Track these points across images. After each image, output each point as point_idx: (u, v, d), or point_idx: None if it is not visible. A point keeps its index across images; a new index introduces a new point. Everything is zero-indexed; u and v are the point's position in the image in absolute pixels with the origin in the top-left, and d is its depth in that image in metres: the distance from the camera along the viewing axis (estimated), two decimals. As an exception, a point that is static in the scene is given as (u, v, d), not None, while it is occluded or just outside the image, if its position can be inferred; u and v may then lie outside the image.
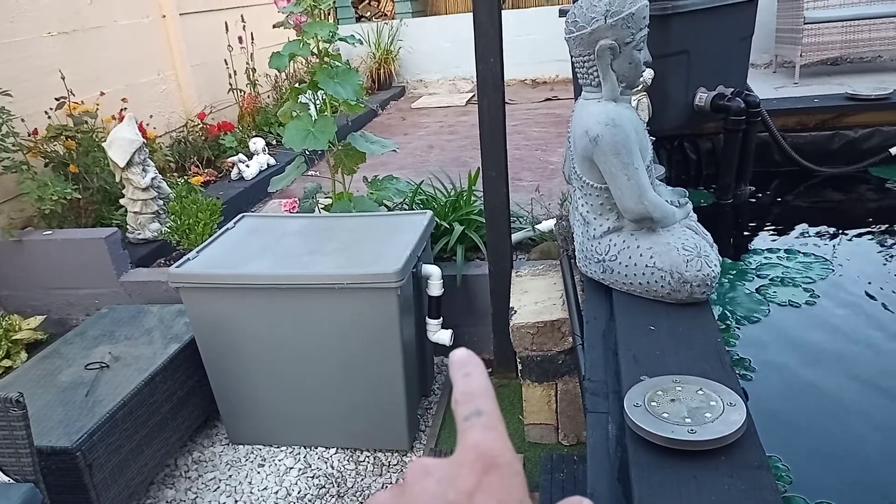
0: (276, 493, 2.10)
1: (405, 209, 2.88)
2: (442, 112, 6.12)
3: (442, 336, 2.35)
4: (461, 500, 0.25)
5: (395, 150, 2.83)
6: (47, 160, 3.20)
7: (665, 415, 1.02)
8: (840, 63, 5.72)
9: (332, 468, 2.19)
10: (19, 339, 2.79)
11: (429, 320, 2.35)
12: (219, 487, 2.15)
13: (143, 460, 2.05)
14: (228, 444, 2.34)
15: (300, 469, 2.19)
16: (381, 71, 6.91)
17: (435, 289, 2.29)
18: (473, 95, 6.10)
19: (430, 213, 2.42)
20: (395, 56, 7.03)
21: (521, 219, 2.92)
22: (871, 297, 2.19)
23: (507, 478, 0.26)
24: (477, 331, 2.65)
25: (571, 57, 1.57)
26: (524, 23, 6.56)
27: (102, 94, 3.67)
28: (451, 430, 2.33)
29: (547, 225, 2.77)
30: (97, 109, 3.41)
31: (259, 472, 2.20)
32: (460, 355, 0.32)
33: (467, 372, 0.30)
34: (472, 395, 0.29)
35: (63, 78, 3.35)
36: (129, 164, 2.97)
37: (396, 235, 2.24)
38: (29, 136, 3.16)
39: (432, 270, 2.28)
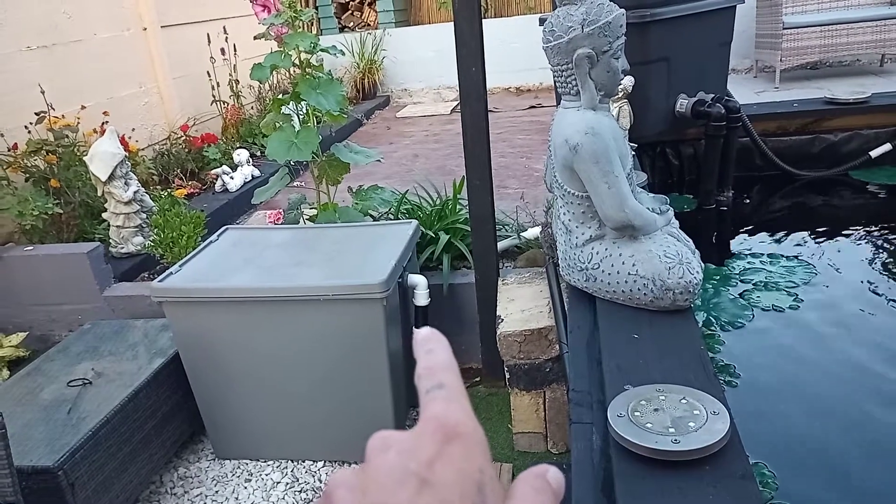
0: (264, 508, 2.08)
1: (390, 219, 2.87)
2: (427, 121, 6.13)
3: (429, 346, 2.34)
4: (421, 471, 0.25)
5: (379, 160, 2.83)
6: (28, 175, 3.17)
7: (648, 425, 1.02)
8: (820, 67, 5.79)
9: (320, 481, 2.17)
10: (1, 356, 2.75)
11: (416, 331, 2.33)
12: (205, 503, 2.13)
13: (127, 478, 2.02)
14: (214, 460, 2.32)
15: (287, 483, 2.18)
16: (366, 81, 6.92)
17: (421, 298, 2.29)
18: (458, 104, 6.14)
19: (415, 222, 2.41)
20: (380, 66, 7.03)
21: (506, 227, 2.92)
22: (855, 300, 2.21)
23: (468, 446, 0.26)
24: (464, 340, 2.64)
25: (550, 66, 1.57)
26: (508, 31, 6.59)
27: (83, 107, 3.64)
28: (439, 441, 2.32)
29: (532, 232, 2.78)
30: (78, 123, 3.38)
31: (246, 488, 2.18)
32: (424, 333, 0.32)
33: (430, 348, 0.31)
34: (435, 369, 0.29)
35: (43, 92, 3.32)
36: (111, 177, 2.95)
37: (382, 245, 2.23)
38: (8, 150, 3.13)
39: (418, 280, 2.28)
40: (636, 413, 1.05)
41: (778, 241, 2.70)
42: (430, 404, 0.28)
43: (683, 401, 1.07)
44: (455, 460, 0.25)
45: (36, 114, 3.25)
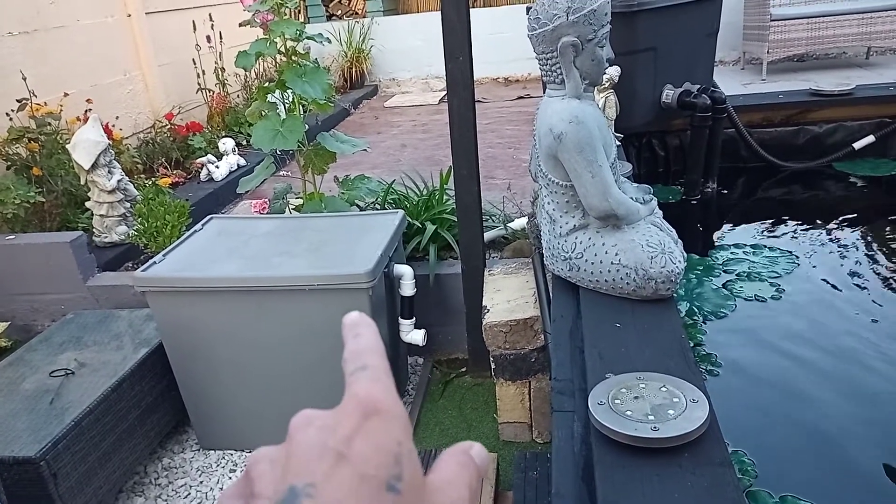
0: (248, 497, 2.08)
1: (377, 209, 2.86)
2: (415, 111, 6.10)
3: (415, 336, 2.35)
4: (340, 446, 0.26)
5: (366, 150, 2.81)
6: (9, 163, 3.13)
7: (629, 412, 1.03)
8: (806, 59, 5.82)
9: (305, 471, 2.17)
10: (-18, 346, 2.72)
11: (402, 320, 2.34)
12: (189, 494, 2.13)
13: (111, 468, 2.01)
14: (199, 450, 2.31)
15: (272, 473, 2.17)
16: (354, 70, 6.87)
17: (407, 289, 2.28)
18: (446, 93, 6.09)
19: (401, 212, 2.41)
20: (367, 55, 6.99)
21: (493, 217, 2.92)
22: (837, 290, 2.23)
23: (386, 421, 0.27)
24: (451, 330, 2.65)
25: (535, 54, 1.57)
26: (497, 21, 6.57)
27: (66, 94, 3.60)
28: (426, 430, 2.32)
29: (519, 223, 2.78)
30: (61, 111, 3.34)
31: (231, 478, 2.17)
32: (352, 317, 0.32)
33: (357, 333, 0.31)
34: (360, 352, 0.30)
35: (24, 79, 3.27)
36: (95, 166, 2.92)
37: (368, 235, 2.22)
38: (-10, 138, 3.09)
39: (404, 270, 2.27)
40: (616, 401, 1.06)
41: (761, 232, 2.72)
42: (352, 384, 0.28)
43: (663, 389, 1.08)
44: (373, 435, 0.26)
45: (18, 101, 3.21)
